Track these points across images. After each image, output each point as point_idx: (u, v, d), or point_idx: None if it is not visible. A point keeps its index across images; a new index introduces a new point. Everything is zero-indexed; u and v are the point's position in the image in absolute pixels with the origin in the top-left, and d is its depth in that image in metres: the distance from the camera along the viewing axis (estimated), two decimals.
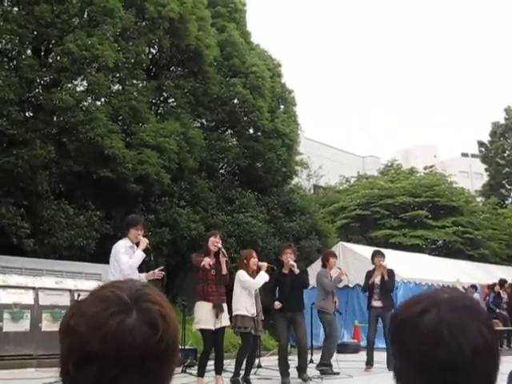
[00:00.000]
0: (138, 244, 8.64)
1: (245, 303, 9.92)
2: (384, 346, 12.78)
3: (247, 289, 10.02)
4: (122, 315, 1.25)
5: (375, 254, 13.14)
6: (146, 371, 1.24)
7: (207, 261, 9.13)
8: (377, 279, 12.92)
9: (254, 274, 10.23)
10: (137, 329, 1.24)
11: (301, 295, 11.32)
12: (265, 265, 10.44)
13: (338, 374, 11.89)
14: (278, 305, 10.82)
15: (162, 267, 9.11)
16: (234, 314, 9.77)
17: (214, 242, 9.40)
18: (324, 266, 12.66)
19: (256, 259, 10.37)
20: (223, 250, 9.53)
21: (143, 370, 1.24)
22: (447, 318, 1.29)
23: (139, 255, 8.41)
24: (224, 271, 9.40)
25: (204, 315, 9.11)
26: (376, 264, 12.95)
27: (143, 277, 8.61)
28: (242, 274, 10.07)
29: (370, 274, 13.04)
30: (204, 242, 9.72)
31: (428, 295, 1.39)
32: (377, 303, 12.88)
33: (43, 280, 13.69)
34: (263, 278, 10.25)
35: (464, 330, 1.28)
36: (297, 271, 10.99)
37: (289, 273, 11.07)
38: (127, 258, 8.34)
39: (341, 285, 14.45)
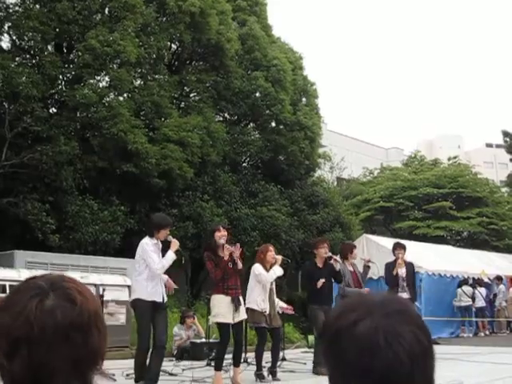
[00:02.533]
0: (163, 242, 8.67)
1: (257, 297, 9.93)
2: None
3: (261, 283, 10.03)
4: (39, 298, 1.31)
5: (396, 247, 13.07)
6: (72, 343, 1.29)
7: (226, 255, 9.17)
8: (401, 271, 12.85)
9: (271, 267, 10.26)
10: (56, 306, 1.30)
11: (332, 288, 11.46)
12: (279, 258, 10.43)
13: None
14: (320, 282, 10.91)
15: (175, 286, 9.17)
16: (245, 306, 9.78)
17: (221, 237, 9.30)
18: (345, 258, 12.43)
19: (272, 252, 10.35)
20: (232, 246, 9.46)
21: (69, 343, 1.29)
22: (381, 325, 1.28)
23: (171, 257, 8.44)
24: (239, 265, 9.37)
25: (222, 309, 9.11)
26: (396, 257, 12.88)
27: (165, 277, 8.75)
28: (256, 268, 10.08)
29: (389, 266, 12.94)
30: (209, 238, 9.64)
31: (360, 302, 1.37)
32: (403, 295, 12.80)
33: (69, 275, 13.77)
34: (276, 272, 10.27)
35: (398, 337, 1.27)
36: (338, 267, 11.25)
37: (323, 266, 11.24)
38: (158, 257, 8.39)
39: None
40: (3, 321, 1.31)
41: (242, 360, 10.37)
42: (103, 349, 1.37)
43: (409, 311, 1.36)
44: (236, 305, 9.16)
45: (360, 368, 1.27)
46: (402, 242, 14.45)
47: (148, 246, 8.42)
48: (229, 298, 9.13)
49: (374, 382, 1.26)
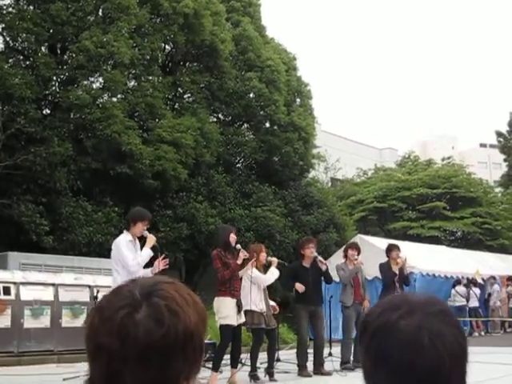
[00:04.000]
0: (140, 238, 8.44)
1: (254, 298, 9.92)
2: None
3: (256, 284, 10.03)
4: (129, 309, 1.26)
5: (393, 248, 13.02)
6: (149, 365, 1.24)
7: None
8: (397, 272, 12.86)
9: (262, 268, 10.25)
10: (142, 323, 1.24)
11: (321, 289, 11.37)
12: (275, 260, 10.44)
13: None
14: (300, 287, 10.79)
15: (163, 255, 8.56)
16: (244, 309, 9.76)
17: (235, 239, 9.40)
18: (345, 258, 12.52)
19: (265, 254, 10.36)
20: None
21: (146, 364, 1.24)
22: (425, 324, 1.29)
23: (147, 254, 8.18)
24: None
25: (230, 311, 9.15)
26: (394, 258, 12.82)
27: (148, 272, 8.23)
28: (252, 270, 10.04)
29: (385, 266, 12.92)
30: (222, 236, 9.54)
31: (402, 300, 1.37)
32: None
33: (63, 276, 13.76)
34: (274, 274, 10.30)
35: (441, 336, 1.28)
36: (324, 267, 11.10)
37: (310, 266, 11.12)
38: (132, 254, 8.10)
39: None
40: (94, 322, 1.29)
41: None
42: (188, 374, 1.30)
43: (449, 312, 1.37)
44: (240, 307, 9.22)
45: (402, 366, 1.27)
46: (396, 242, 14.46)
47: (121, 243, 8.14)
48: (234, 301, 9.19)
49: (415, 380, 1.27)
